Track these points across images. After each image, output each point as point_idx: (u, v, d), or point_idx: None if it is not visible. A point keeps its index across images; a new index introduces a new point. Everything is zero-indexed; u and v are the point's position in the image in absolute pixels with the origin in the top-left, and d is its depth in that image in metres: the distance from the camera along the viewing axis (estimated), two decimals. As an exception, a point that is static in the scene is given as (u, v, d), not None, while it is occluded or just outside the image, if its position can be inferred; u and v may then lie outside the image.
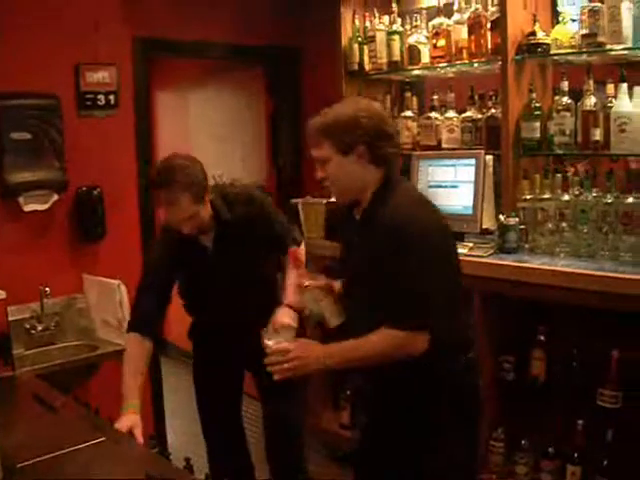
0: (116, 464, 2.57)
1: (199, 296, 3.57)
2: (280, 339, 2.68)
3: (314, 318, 2.98)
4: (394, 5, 4.61)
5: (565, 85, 3.81)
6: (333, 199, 3.83)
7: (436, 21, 4.37)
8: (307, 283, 2.93)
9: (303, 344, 2.66)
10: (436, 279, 2.50)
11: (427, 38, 4.48)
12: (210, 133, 6.49)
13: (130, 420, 2.91)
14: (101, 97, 4.63)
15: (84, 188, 4.57)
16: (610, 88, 3.68)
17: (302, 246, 3.67)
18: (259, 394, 3.83)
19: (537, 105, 3.89)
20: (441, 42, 4.35)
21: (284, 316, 3.17)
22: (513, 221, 3.83)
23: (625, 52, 3.62)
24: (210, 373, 3.72)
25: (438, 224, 2.62)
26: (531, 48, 3.90)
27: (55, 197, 4.43)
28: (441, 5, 4.42)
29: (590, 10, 3.62)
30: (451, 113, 4.38)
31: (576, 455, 3.58)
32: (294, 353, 2.58)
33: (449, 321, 2.57)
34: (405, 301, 2.49)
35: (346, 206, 2.80)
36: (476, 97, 4.32)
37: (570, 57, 3.87)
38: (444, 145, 4.41)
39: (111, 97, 4.68)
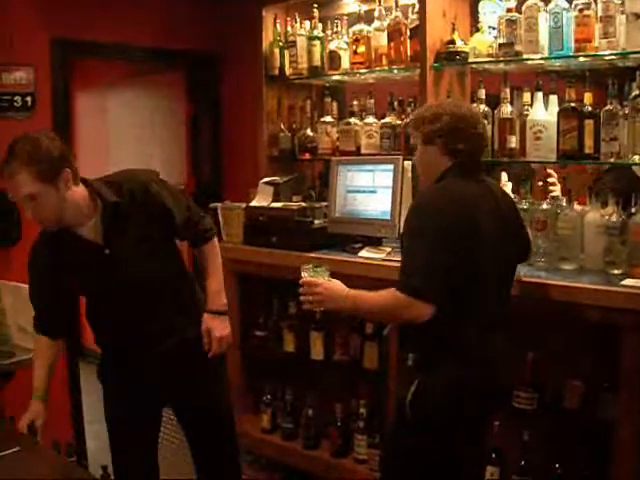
0: (31, 474, 2.53)
1: (98, 308, 3.20)
2: (314, 275, 2.94)
3: None
4: (315, 11, 4.62)
5: (482, 93, 3.88)
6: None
7: (356, 27, 4.41)
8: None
9: (332, 283, 2.93)
10: (438, 258, 2.73)
11: (347, 44, 4.51)
12: (130, 135, 6.43)
13: (32, 413, 2.92)
14: (18, 99, 4.54)
15: (-1, 191, 4.46)
16: (526, 96, 3.76)
17: (216, 241, 3.42)
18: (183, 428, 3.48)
19: (455, 112, 3.93)
20: (361, 48, 4.38)
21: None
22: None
23: (541, 61, 3.71)
24: (125, 416, 3.23)
25: (454, 213, 2.82)
26: (449, 56, 3.96)
27: (-32, 200, 4.32)
28: (362, 12, 4.44)
29: (508, 20, 3.70)
30: (370, 119, 4.41)
31: (494, 456, 3.63)
32: (321, 288, 2.89)
33: (453, 302, 2.77)
34: (409, 267, 2.77)
35: None
36: (395, 103, 4.36)
37: (488, 65, 3.94)
38: (363, 150, 4.43)
39: (28, 99, 4.60)
